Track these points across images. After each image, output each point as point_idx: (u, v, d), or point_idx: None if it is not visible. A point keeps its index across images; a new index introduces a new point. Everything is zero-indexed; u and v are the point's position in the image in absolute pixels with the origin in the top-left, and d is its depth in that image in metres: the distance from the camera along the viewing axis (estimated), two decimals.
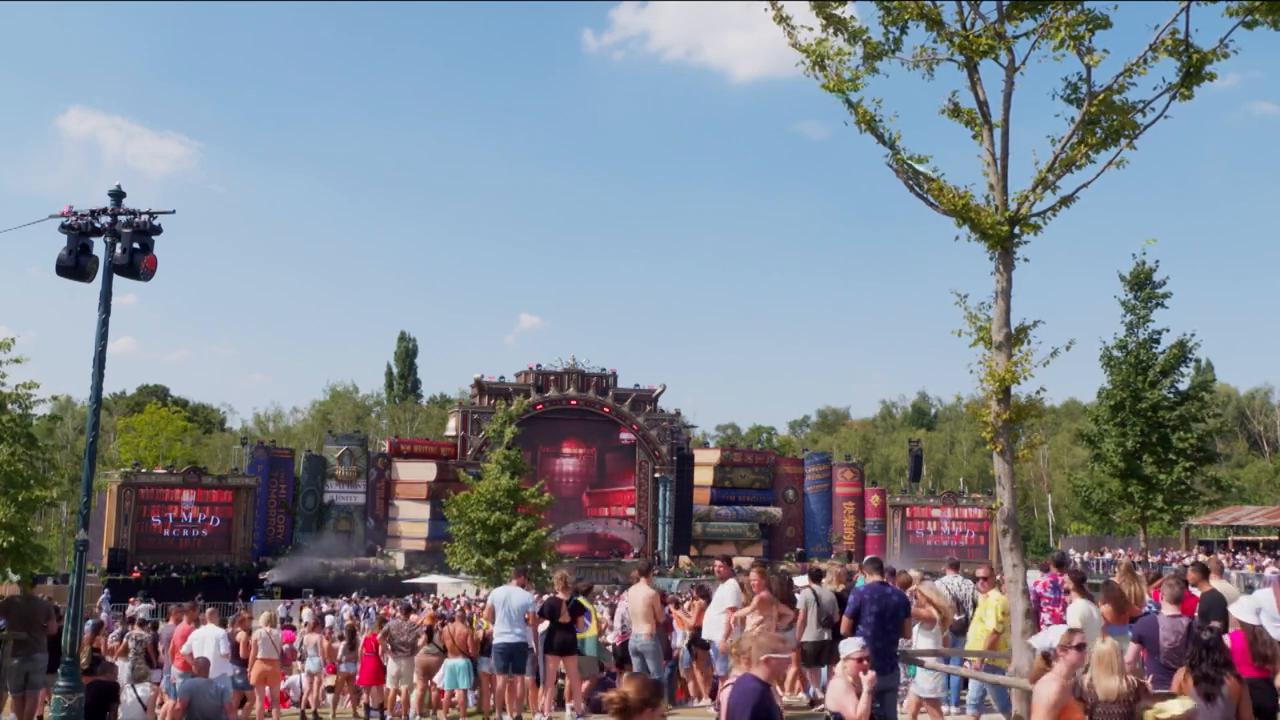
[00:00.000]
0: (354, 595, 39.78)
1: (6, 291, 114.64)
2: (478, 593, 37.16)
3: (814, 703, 11.92)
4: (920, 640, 9.97)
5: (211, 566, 47.94)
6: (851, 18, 8.40)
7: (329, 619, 27.42)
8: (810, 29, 8.43)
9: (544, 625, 12.14)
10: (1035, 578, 11.01)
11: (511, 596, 12.02)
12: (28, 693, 11.89)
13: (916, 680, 9.98)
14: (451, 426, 59.52)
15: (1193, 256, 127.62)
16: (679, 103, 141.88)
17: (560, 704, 13.00)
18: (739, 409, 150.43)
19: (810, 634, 10.81)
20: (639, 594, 11.10)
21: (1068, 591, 9.66)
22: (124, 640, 15.97)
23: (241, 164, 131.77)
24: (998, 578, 9.86)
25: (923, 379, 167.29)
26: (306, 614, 29.58)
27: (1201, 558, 25.75)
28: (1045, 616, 10.06)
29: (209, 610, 14.52)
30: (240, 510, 51.05)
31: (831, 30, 8.37)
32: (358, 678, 15.92)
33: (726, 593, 10.78)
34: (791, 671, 11.58)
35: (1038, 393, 8.59)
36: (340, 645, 16.77)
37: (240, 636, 14.45)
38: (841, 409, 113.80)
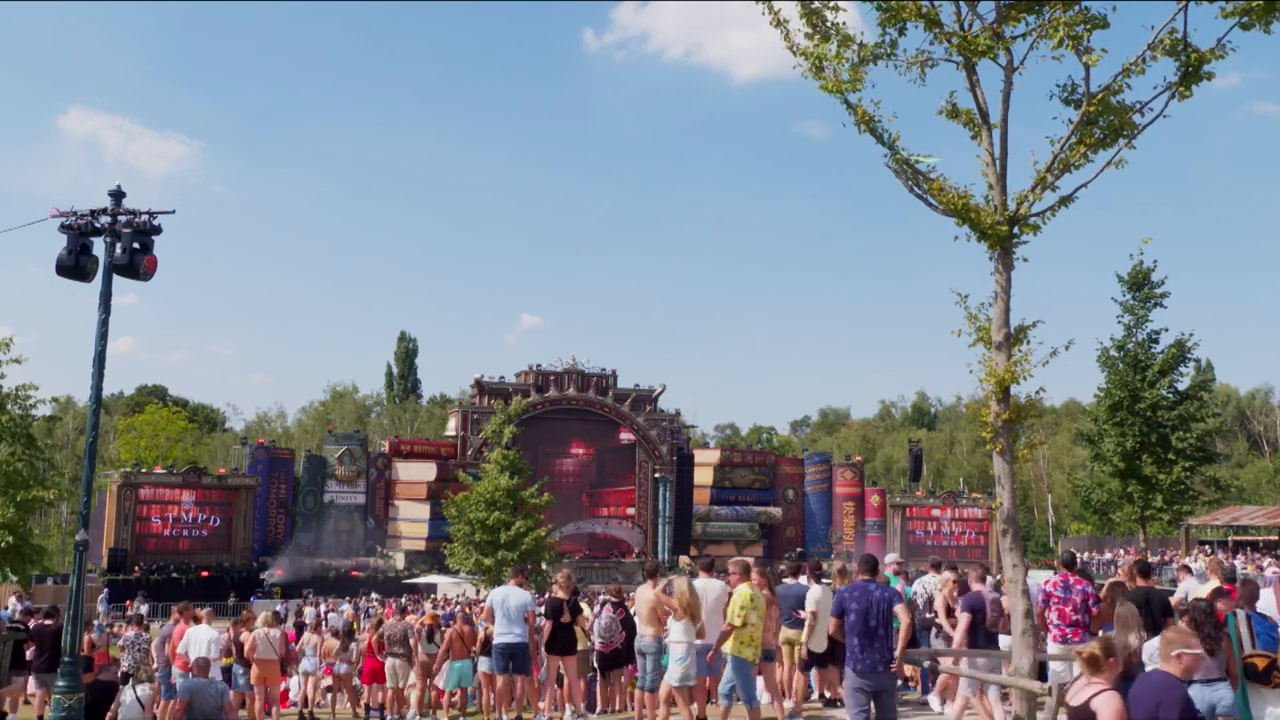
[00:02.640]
0: (370, 596, 39.76)
1: (6, 291, 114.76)
2: (478, 593, 37.18)
3: (829, 702, 11.95)
4: (675, 632, 10.20)
5: (211, 566, 47.94)
6: (843, 24, 8.39)
7: (331, 617, 27.40)
8: (806, 33, 8.44)
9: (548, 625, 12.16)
10: (1047, 576, 11.14)
11: (510, 596, 12.02)
12: None
13: (669, 669, 10.19)
14: (451, 426, 59.53)
15: (1193, 256, 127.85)
16: (680, 103, 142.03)
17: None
18: (739, 409, 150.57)
19: None
20: (645, 596, 11.15)
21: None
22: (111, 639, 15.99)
23: (242, 164, 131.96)
24: (746, 567, 10.32)
25: (923, 379, 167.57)
26: (309, 613, 29.58)
27: (1201, 558, 25.73)
28: (1053, 615, 10.19)
29: (205, 610, 14.52)
30: (240, 510, 51.04)
31: (819, 38, 8.37)
32: (360, 677, 15.94)
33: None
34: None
35: (1037, 393, 8.60)
36: (338, 645, 16.77)
37: (244, 636, 14.45)
38: (841, 409, 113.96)
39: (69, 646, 11.06)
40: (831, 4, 8.43)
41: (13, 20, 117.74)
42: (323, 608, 31.62)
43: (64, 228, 11.57)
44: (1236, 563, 37.47)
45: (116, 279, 11.76)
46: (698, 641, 10.65)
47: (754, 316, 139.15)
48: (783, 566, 12.99)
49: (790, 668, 11.59)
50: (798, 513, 62.23)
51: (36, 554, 24.42)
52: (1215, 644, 7.93)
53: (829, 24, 8.40)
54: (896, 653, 8.48)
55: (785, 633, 11.30)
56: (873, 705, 8.43)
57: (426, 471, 54.80)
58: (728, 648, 9.82)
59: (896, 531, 59.90)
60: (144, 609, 32.70)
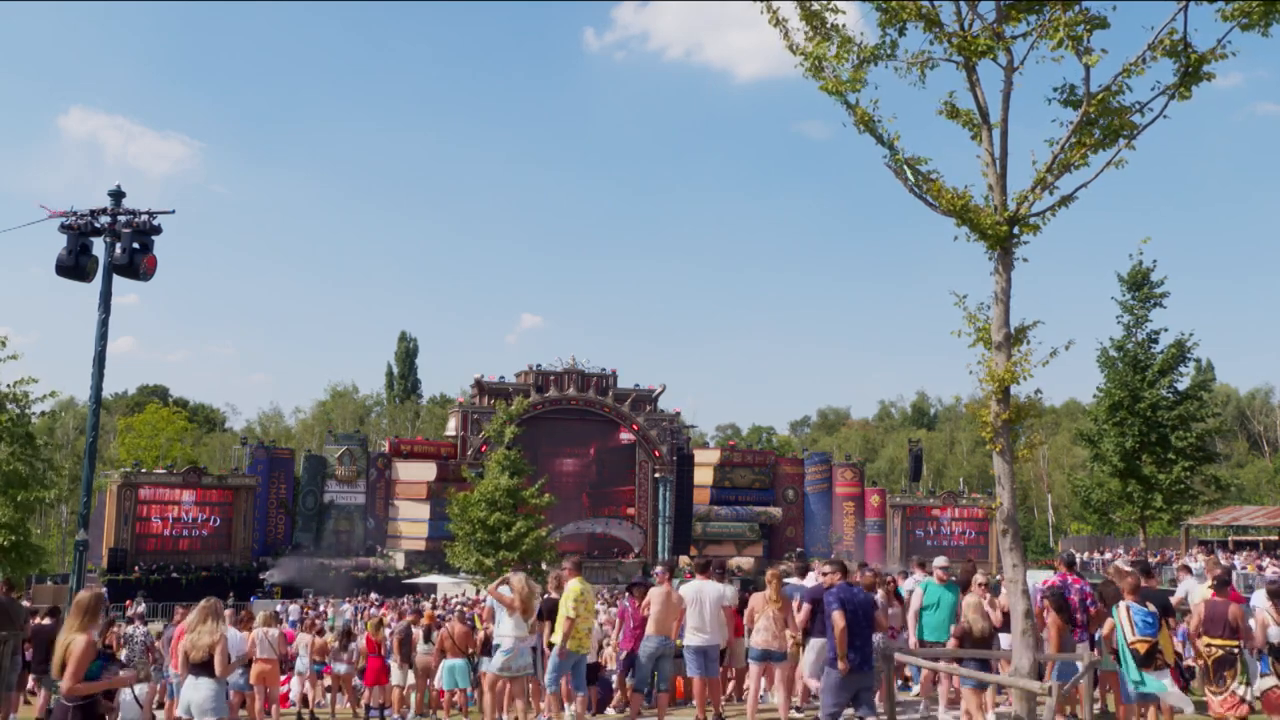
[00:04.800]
0: (370, 596, 39.78)
1: (6, 291, 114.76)
2: (477, 593, 37.18)
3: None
4: (504, 625, 10.71)
5: (211, 566, 47.93)
6: (843, 25, 8.39)
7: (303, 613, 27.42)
8: (806, 34, 8.44)
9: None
10: (1045, 577, 11.23)
11: None
12: (2, 693, 11.98)
13: (493, 660, 10.80)
14: (451, 426, 59.51)
15: (1193, 256, 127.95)
16: (680, 102, 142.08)
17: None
18: (739, 409, 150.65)
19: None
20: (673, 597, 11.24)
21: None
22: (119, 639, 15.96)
23: (242, 164, 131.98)
24: (578, 563, 10.92)
25: (922, 379, 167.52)
26: (294, 611, 29.62)
27: (1201, 558, 25.76)
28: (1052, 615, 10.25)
29: (228, 611, 14.51)
30: (240, 510, 51.03)
31: (819, 39, 8.37)
32: (363, 678, 15.95)
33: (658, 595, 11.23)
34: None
35: (1037, 393, 8.60)
36: (336, 645, 16.76)
37: (245, 636, 14.43)
38: (841, 409, 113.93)
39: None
40: (830, 6, 8.43)
41: (13, 20, 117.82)
42: (323, 607, 31.65)
43: (64, 228, 11.56)
44: (1236, 562, 37.47)
45: (116, 279, 11.75)
46: (703, 643, 10.66)
47: (754, 316, 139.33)
48: (784, 566, 13.00)
49: (793, 667, 11.58)
50: (798, 513, 62.20)
51: (35, 554, 24.36)
52: (1072, 625, 9.89)
53: (828, 26, 8.40)
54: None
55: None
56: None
57: (426, 471, 54.79)
58: (557, 639, 10.30)
59: (896, 532, 59.90)
60: (141, 608, 32.74)
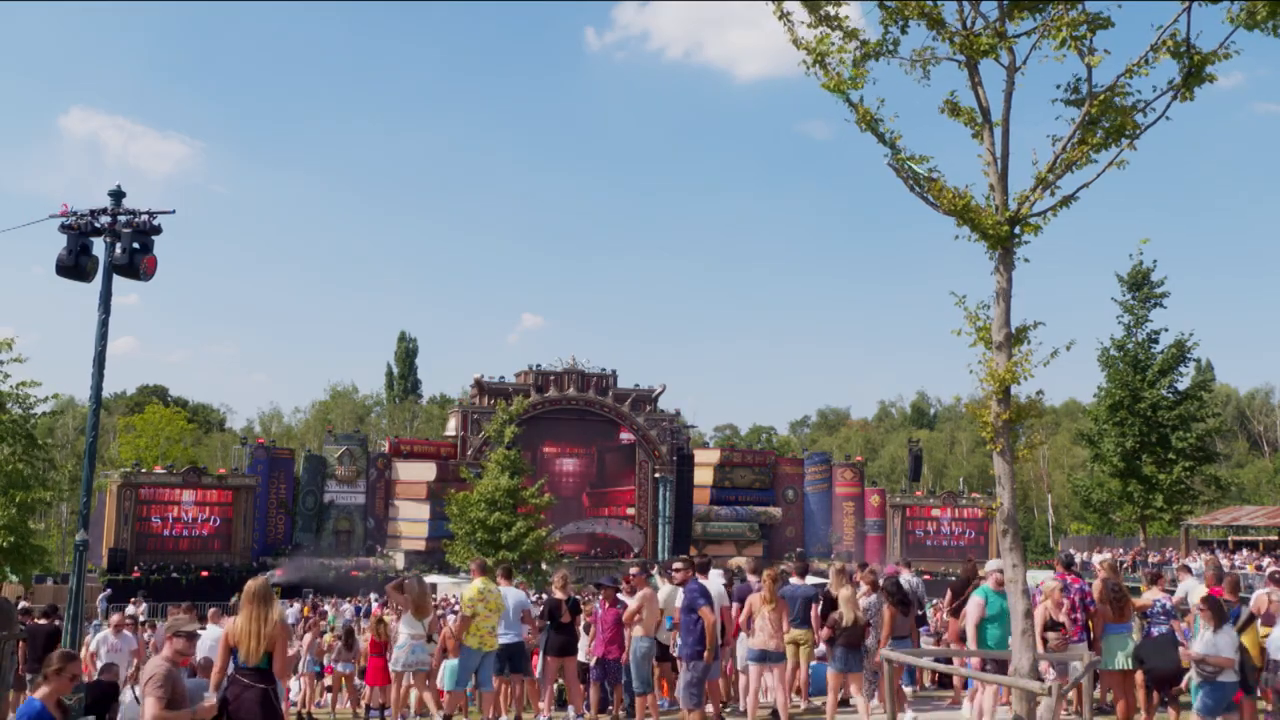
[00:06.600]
0: (370, 596, 39.73)
1: (7, 291, 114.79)
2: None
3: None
4: (401, 624, 11.64)
5: (211, 566, 47.89)
6: (846, 17, 8.36)
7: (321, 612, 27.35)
8: (808, 24, 8.41)
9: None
10: (1044, 577, 11.26)
11: (508, 597, 12.03)
12: (2, 693, 11.96)
13: (402, 656, 11.77)
14: (451, 426, 59.49)
15: (1193, 256, 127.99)
16: (681, 102, 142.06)
17: (561, 704, 13.02)
18: (739, 409, 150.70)
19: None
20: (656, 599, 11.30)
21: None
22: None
23: (243, 164, 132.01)
24: (482, 565, 11.67)
25: (922, 379, 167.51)
26: (291, 613, 29.54)
27: (1202, 558, 25.78)
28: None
29: (212, 610, 14.52)
30: (240, 510, 50.98)
31: (823, 29, 8.34)
32: (363, 677, 15.94)
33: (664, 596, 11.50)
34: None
35: (1038, 393, 8.58)
36: (340, 645, 16.76)
37: None
38: (841, 409, 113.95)
39: (69, 647, 11.03)
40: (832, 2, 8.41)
41: (13, 20, 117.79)
42: (324, 607, 31.57)
43: (64, 228, 11.54)
44: (1236, 561, 37.47)
45: (116, 279, 11.73)
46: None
47: (754, 316, 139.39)
48: (784, 567, 12.98)
49: (794, 667, 11.59)
50: (797, 513, 62.16)
51: (37, 554, 24.37)
52: (905, 610, 11.54)
53: (832, 18, 8.36)
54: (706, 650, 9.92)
55: (792, 633, 11.30)
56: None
57: (426, 471, 54.75)
58: (460, 639, 10.98)
59: (896, 532, 59.86)
60: (135, 610, 32.66)
